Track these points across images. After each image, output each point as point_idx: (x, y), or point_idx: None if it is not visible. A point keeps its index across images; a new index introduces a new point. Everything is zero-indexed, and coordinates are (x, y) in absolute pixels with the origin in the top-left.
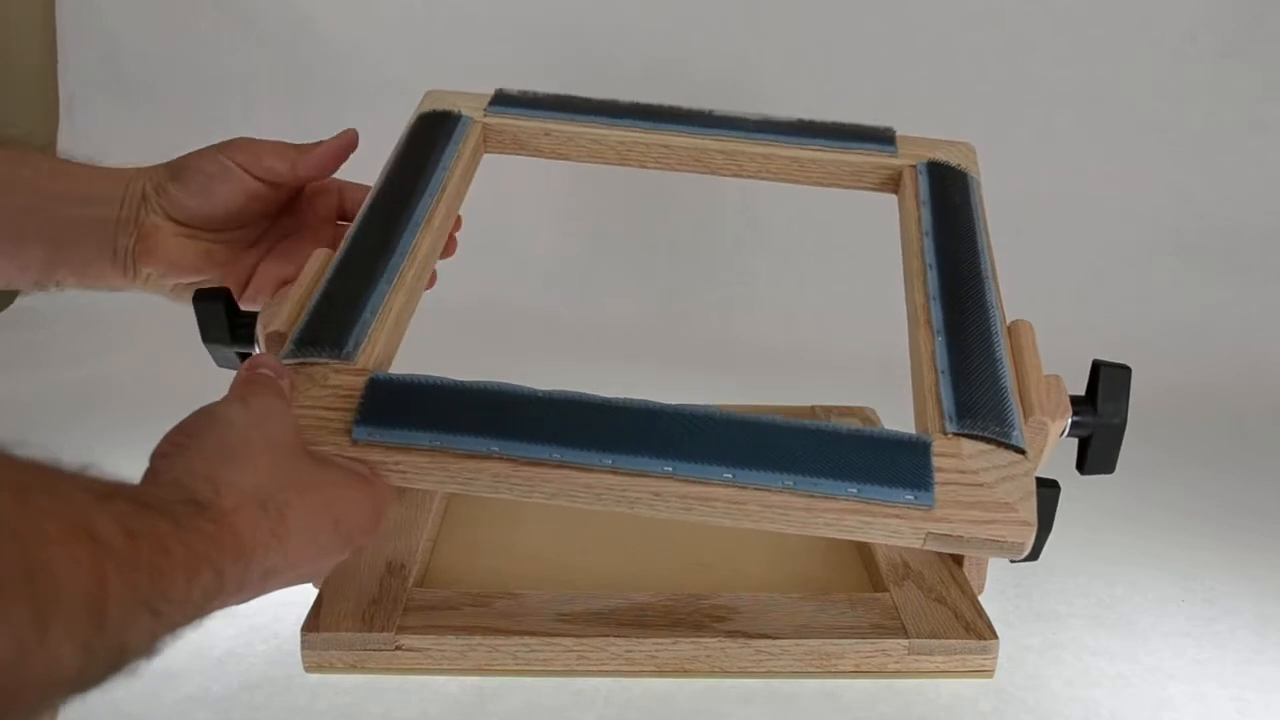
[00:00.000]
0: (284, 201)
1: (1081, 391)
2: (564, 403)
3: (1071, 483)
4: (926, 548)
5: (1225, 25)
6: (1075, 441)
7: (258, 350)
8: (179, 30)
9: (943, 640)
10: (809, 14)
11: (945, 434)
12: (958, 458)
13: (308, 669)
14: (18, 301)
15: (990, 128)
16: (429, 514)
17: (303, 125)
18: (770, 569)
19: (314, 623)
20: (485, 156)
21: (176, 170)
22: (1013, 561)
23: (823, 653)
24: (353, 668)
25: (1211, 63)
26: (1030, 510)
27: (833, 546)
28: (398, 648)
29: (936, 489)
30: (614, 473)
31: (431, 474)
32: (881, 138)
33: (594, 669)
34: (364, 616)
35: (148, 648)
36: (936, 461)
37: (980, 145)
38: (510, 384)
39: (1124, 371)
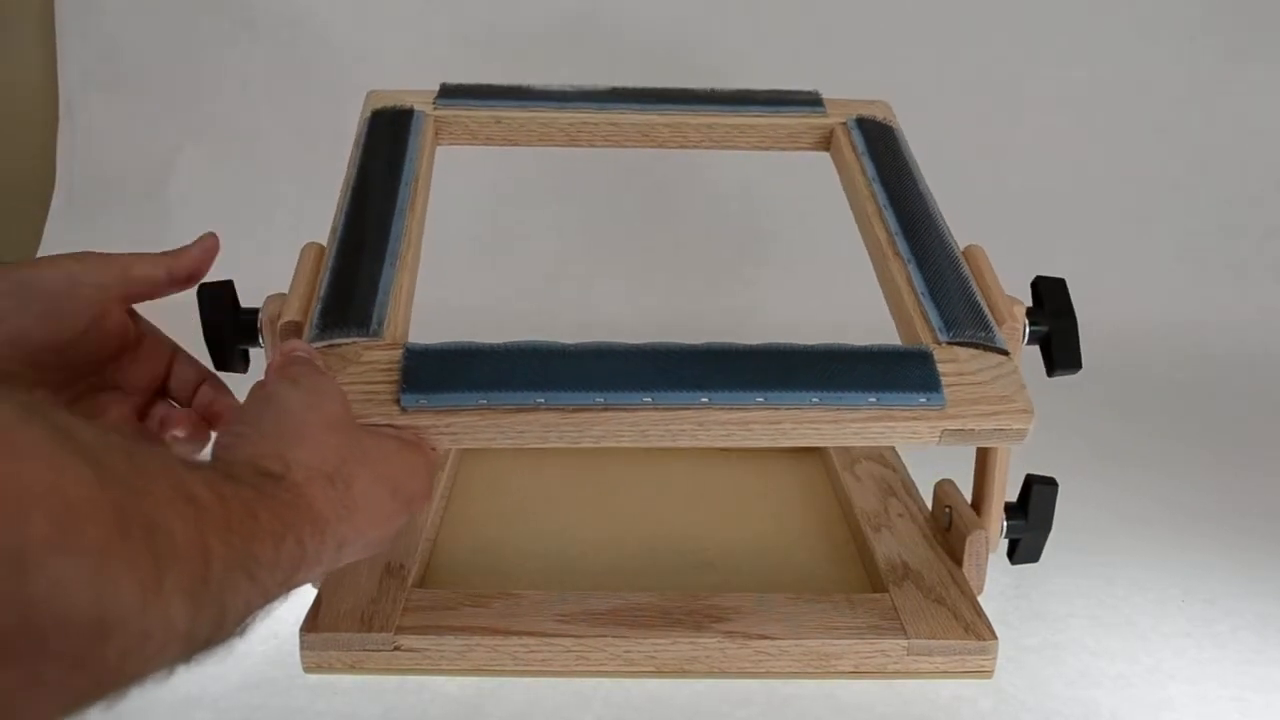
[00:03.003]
0: (117, 348)
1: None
2: (597, 351)
3: (1071, 483)
4: (942, 444)
5: (1225, 25)
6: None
7: (262, 343)
8: (178, 30)
9: (942, 641)
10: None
11: (939, 344)
12: (955, 362)
13: (307, 669)
14: None
15: (989, 127)
16: (428, 514)
17: (303, 125)
18: (770, 569)
19: (313, 623)
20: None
21: (20, 286)
22: (1013, 562)
23: (821, 653)
24: (352, 668)
25: (1211, 63)
26: (1026, 399)
27: (833, 547)
28: (396, 648)
29: (945, 390)
30: (656, 409)
31: (484, 431)
32: (809, 101)
33: (593, 669)
34: (363, 617)
35: (243, 615)
36: (940, 367)
37: (979, 144)
38: (542, 340)
39: (1059, 281)
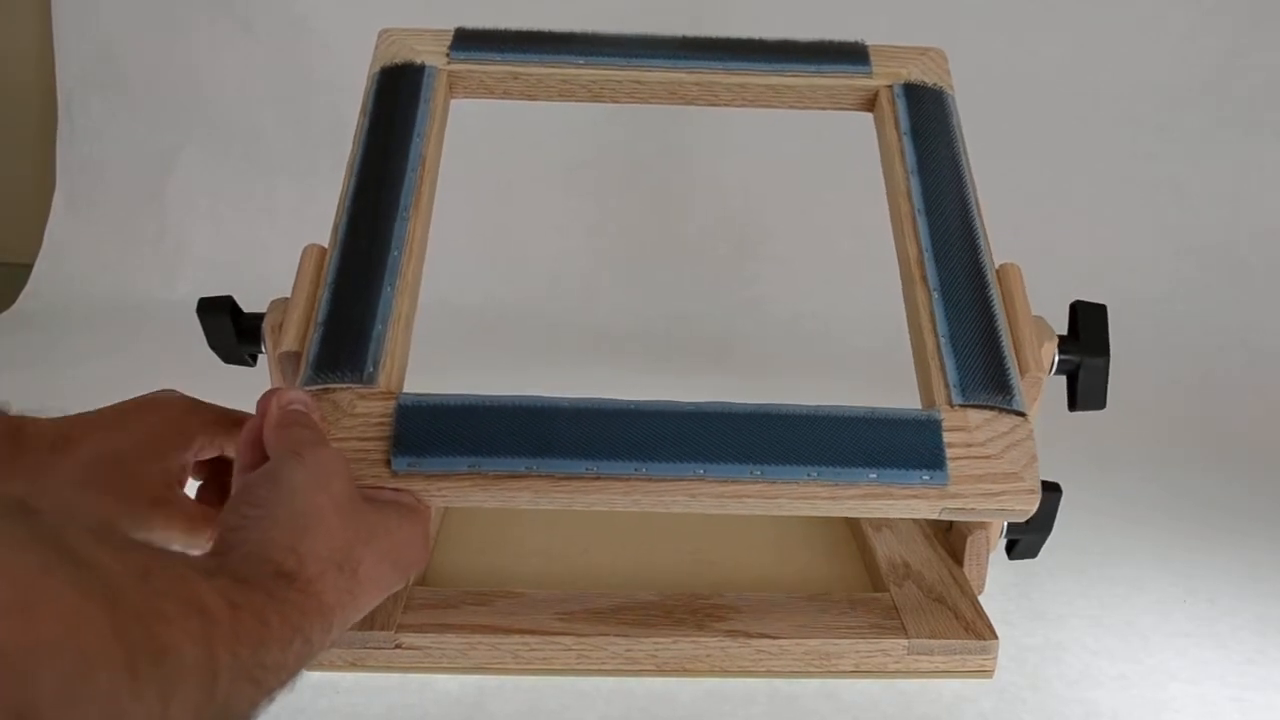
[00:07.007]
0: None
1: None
2: (591, 413)
3: (1073, 484)
4: (941, 518)
5: (1226, 25)
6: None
7: (265, 350)
8: (176, 30)
9: (942, 640)
10: None
11: (951, 405)
12: (965, 430)
13: (307, 668)
14: (18, 303)
15: (988, 125)
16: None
17: (303, 125)
18: (771, 568)
19: None
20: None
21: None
22: (1011, 558)
23: (822, 652)
24: (353, 666)
25: (1211, 63)
26: (1034, 477)
27: (833, 546)
28: (398, 646)
29: (949, 466)
30: (649, 480)
31: (473, 494)
32: (855, 55)
33: (594, 668)
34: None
35: (247, 714)
36: (947, 437)
37: (979, 142)
38: (536, 396)
39: (1100, 308)
